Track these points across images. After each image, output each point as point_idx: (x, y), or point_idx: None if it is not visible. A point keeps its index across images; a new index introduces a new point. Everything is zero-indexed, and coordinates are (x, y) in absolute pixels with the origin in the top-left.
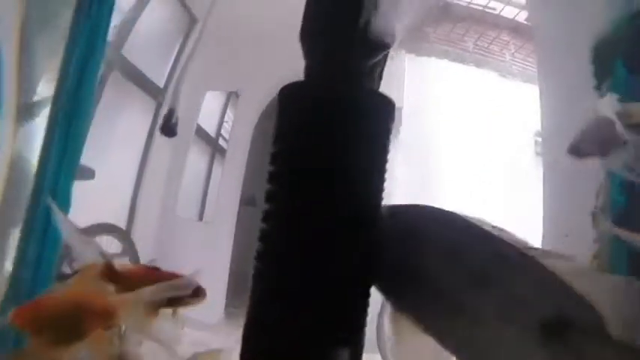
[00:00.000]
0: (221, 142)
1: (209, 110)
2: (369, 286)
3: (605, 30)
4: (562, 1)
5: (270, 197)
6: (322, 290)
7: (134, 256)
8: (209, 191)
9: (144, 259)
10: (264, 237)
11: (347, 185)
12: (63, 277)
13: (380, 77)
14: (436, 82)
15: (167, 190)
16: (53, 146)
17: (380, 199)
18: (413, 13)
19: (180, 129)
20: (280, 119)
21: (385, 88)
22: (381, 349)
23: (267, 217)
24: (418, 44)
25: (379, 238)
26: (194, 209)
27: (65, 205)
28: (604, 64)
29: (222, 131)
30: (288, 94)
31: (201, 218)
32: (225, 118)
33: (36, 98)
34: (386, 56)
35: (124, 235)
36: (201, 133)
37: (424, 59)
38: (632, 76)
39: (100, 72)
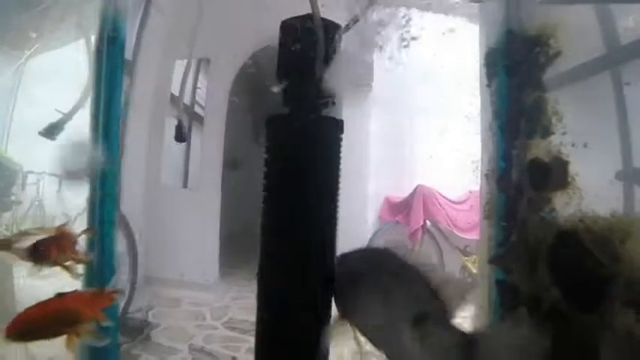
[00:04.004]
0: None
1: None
2: None
3: (493, 40)
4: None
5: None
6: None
7: (127, 227)
8: (190, 158)
9: (134, 230)
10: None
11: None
12: None
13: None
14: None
15: (149, 160)
16: None
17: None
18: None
19: (155, 98)
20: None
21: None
22: None
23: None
24: None
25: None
26: (178, 177)
27: None
28: (492, 68)
29: (197, 98)
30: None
31: (186, 186)
32: (198, 85)
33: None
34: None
35: None
36: (175, 100)
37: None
38: (510, 79)
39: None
